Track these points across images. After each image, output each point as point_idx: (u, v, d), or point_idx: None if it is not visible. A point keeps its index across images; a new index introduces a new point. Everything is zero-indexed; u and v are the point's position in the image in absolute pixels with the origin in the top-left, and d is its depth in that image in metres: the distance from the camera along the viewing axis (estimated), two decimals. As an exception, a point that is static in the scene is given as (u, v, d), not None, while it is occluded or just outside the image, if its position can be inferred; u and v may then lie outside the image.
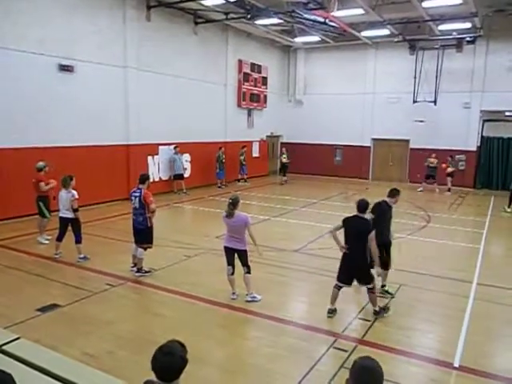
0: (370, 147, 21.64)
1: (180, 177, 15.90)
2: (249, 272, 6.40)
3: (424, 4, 14.01)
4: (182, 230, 11.10)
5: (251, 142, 20.50)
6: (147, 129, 14.56)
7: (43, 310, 5.95)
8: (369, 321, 5.88)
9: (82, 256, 8.05)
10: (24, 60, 10.89)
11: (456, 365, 4.82)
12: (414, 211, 13.72)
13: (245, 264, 6.37)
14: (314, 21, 15.42)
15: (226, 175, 18.03)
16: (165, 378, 2.42)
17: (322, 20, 15.16)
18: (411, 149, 20.46)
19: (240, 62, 19.21)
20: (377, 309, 5.97)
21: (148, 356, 2.45)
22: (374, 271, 5.95)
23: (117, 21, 13.30)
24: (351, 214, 5.95)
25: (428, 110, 18.90)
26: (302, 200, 15.25)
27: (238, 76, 19.32)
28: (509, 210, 13.90)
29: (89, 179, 11.75)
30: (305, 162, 22.25)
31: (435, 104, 18.72)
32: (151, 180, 14.22)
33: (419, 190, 18.11)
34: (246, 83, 19.58)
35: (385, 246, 6.40)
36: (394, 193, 6.63)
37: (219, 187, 17.59)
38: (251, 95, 20.10)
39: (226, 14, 15.54)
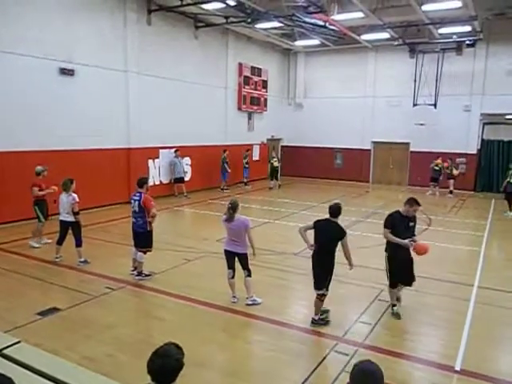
0: (370, 150, 21.67)
1: (181, 180, 15.91)
2: (249, 275, 6.38)
3: (424, 7, 14.03)
4: (183, 234, 11.09)
5: (252, 146, 20.51)
6: (148, 132, 14.58)
7: (43, 313, 5.94)
8: (370, 324, 5.87)
9: (82, 259, 8.04)
10: (24, 63, 10.90)
11: (457, 368, 4.80)
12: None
13: (245, 267, 6.35)
14: (314, 24, 15.46)
15: (228, 178, 18.05)
16: (160, 381, 2.43)
17: (322, 23, 15.22)
18: (411, 152, 20.49)
19: (240, 65, 19.25)
20: (316, 318, 5.79)
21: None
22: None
23: (117, 25, 13.35)
24: (323, 218, 5.84)
25: (428, 113, 18.92)
26: (302, 203, 15.22)
27: (239, 79, 19.35)
28: (511, 213, 13.87)
29: (89, 183, 11.77)
30: (305, 166, 22.30)
31: (435, 107, 18.75)
32: (152, 183, 14.35)
33: (428, 193, 17.75)
34: (246, 86, 19.62)
35: (403, 261, 5.99)
36: (406, 201, 6.00)
37: (222, 189, 17.59)
38: (251, 98, 20.13)
39: (227, 17, 15.59)
